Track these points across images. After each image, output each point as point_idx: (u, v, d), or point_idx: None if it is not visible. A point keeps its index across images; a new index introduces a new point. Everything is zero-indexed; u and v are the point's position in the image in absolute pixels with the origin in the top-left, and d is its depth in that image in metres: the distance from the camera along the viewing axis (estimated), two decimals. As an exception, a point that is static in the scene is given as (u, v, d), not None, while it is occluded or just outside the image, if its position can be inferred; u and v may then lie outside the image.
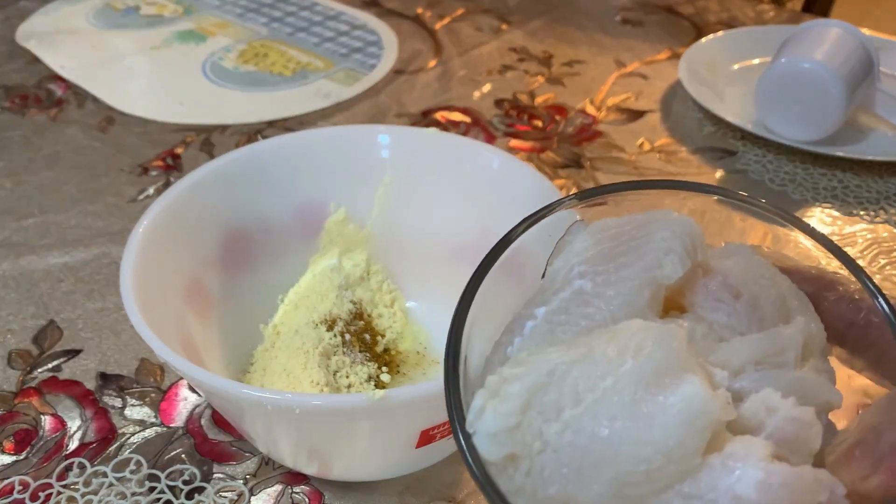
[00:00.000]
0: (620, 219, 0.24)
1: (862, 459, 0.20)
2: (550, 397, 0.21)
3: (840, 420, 0.22)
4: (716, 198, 0.26)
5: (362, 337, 0.43)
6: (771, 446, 0.20)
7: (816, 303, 0.23)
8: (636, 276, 0.22)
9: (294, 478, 0.39)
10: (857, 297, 0.23)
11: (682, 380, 0.20)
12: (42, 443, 0.41)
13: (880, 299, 0.22)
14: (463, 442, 0.21)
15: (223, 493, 0.38)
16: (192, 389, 0.44)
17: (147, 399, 0.43)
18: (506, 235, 0.25)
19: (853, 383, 0.24)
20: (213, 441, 0.41)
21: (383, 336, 0.44)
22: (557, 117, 0.70)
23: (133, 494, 0.38)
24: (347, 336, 0.42)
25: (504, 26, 0.87)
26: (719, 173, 0.62)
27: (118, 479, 0.39)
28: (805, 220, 0.26)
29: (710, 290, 0.23)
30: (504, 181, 0.42)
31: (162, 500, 0.38)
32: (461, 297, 0.23)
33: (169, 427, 0.42)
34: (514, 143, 0.67)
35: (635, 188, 0.26)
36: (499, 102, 0.73)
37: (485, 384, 0.21)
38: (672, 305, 0.23)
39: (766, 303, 0.23)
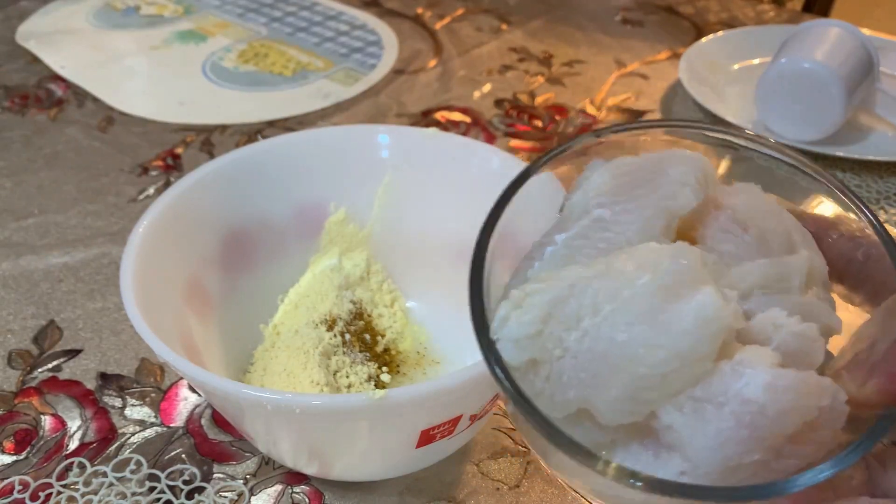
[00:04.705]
0: (637, 157, 0.26)
1: (858, 368, 0.21)
2: (570, 308, 0.22)
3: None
4: (725, 138, 0.27)
5: (362, 337, 0.43)
6: (778, 356, 0.21)
7: (818, 241, 0.25)
8: (652, 206, 0.24)
9: (294, 478, 0.39)
10: (856, 234, 0.24)
11: (696, 290, 0.21)
12: (42, 442, 0.41)
13: (878, 226, 0.24)
14: (487, 348, 0.22)
15: (223, 493, 0.38)
16: (193, 389, 0.44)
17: (147, 399, 0.43)
18: (532, 162, 0.26)
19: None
20: (214, 441, 0.41)
21: (383, 336, 0.44)
22: (557, 117, 0.70)
23: (133, 494, 0.38)
24: (347, 336, 0.42)
25: (504, 26, 0.87)
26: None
27: (118, 479, 0.39)
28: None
29: (720, 223, 0.24)
30: (504, 181, 0.42)
31: (162, 500, 0.38)
32: (487, 217, 0.25)
33: (169, 427, 0.42)
34: (514, 143, 0.67)
35: (655, 126, 0.28)
36: (499, 102, 0.73)
37: (508, 296, 0.23)
38: (684, 238, 0.24)
39: (773, 236, 0.24)
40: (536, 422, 0.21)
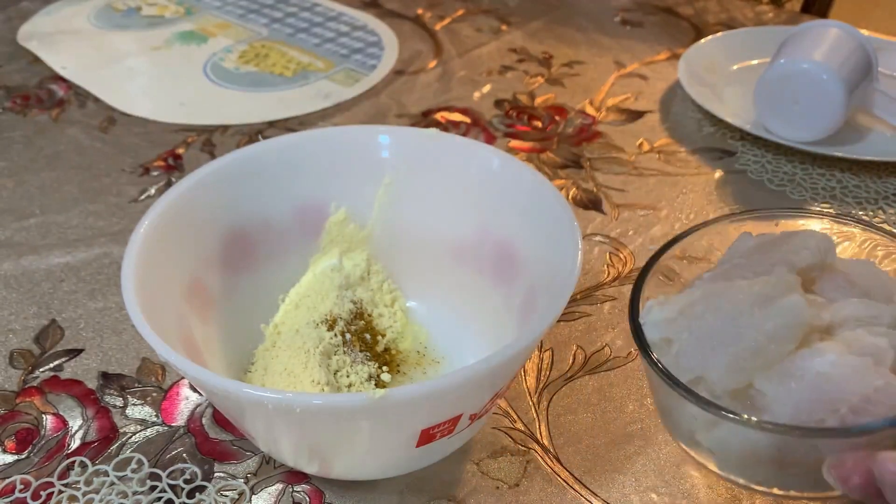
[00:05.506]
0: (775, 233, 0.36)
1: None
2: (698, 307, 0.32)
3: None
4: (857, 228, 0.37)
5: (363, 336, 0.43)
6: (847, 348, 0.29)
7: None
8: (778, 257, 0.33)
9: (295, 477, 0.39)
10: None
11: (787, 296, 0.31)
12: (44, 442, 0.41)
13: None
14: (635, 328, 0.33)
15: (224, 492, 0.39)
16: (194, 389, 0.44)
17: (148, 398, 0.44)
18: (694, 226, 0.38)
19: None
20: (215, 440, 0.41)
21: (383, 336, 0.44)
22: (557, 118, 0.70)
23: (134, 493, 0.39)
24: (348, 336, 0.42)
25: (504, 27, 0.87)
26: (718, 174, 0.63)
27: (119, 479, 0.39)
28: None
29: (834, 283, 0.33)
30: (504, 181, 0.43)
31: (163, 499, 0.38)
32: (655, 253, 0.36)
33: (170, 426, 0.42)
34: (514, 143, 0.67)
35: (786, 212, 0.39)
36: (499, 103, 0.73)
37: (656, 298, 0.34)
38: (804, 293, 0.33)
39: (876, 292, 0.33)
40: (672, 382, 0.30)
